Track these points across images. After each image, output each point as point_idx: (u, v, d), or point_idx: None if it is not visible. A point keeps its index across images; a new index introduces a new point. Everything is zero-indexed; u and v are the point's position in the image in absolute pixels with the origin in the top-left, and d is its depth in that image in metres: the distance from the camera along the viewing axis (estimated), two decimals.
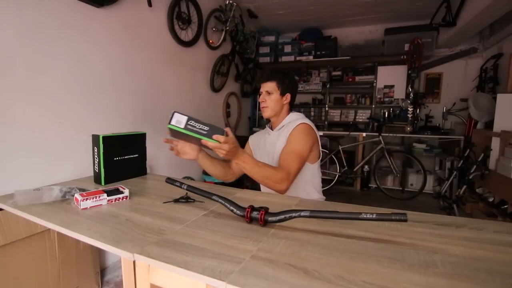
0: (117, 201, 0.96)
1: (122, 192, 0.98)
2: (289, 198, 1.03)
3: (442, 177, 3.41)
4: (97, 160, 1.17)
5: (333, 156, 3.59)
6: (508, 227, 0.75)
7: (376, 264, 0.57)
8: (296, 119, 1.24)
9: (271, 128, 1.34)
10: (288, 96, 1.27)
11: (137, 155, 1.31)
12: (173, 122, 0.88)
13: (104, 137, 1.15)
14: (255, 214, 0.76)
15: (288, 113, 1.30)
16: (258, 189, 1.30)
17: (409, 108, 3.48)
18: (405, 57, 3.55)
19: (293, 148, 1.12)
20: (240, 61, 3.60)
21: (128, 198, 0.99)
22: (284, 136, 1.20)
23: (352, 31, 4.16)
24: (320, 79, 4.30)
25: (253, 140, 1.43)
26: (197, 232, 0.71)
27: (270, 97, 1.25)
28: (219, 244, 0.65)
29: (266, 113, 1.28)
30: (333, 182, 3.59)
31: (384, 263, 0.57)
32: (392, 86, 3.83)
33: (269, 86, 1.25)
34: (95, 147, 1.17)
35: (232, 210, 0.80)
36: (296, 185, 1.16)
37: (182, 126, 0.88)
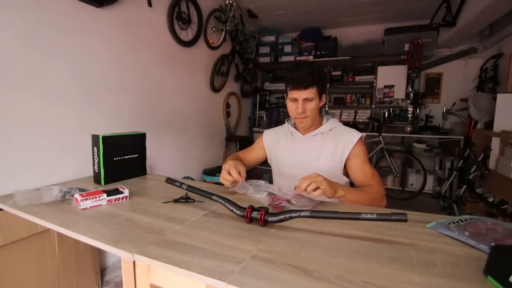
0: (117, 201, 0.96)
1: (122, 192, 0.98)
2: None
3: (442, 177, 3.41)
4: (97, 160, 1.17)
5: None
6: None
7: (376, 264, 0.57)
8: (342, 127, 1.16)
9: (296, 129, 1.21)
10: (324, 98, 1.12)
11: (137, 155, 1.31)
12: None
13: (104, 137, 1.14)
14: (255, 214, 0.76)
15: (320, 115, 1.19)
16: None
17: (409, 108, 3.49)
18: (405, 57, 3.55)
19: (366, 162, 1.09)
20: (240, 61, 3.60)
21: (128, 198, 0.99)
22: (338, 149, 1.10)
23: (352, 31, 4.16)
24: None
25: (268, 139, 1.28)
26: (197, 232, 0.71)
27: (310, 104, 1.07)
28: (219, 244, 0.65)
29: (305, 124, 1.11)
30: None
31: (384, 263, 0.57)
32: (392, 86, 3.83)
33: (308, 93, 1.05)
34: (94, 147, 1.17)
35: (232, 210, 0.80)
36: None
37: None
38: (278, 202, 0.87)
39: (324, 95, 1.12)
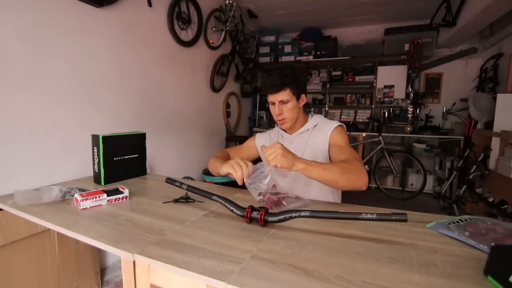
0: (117, 201, 0.96)
1: (122, 192, 0.98)
2: None
3: (442, 177, 3.42)
4: (97, 160, 1.17)
5: None
6: None
7: (376, 264, 0.57)
8: (324, 120, 1.18)
9: (285, 131, 1.24)
10: (303, 97, 1.15)
11: (137, 155, 1.31)
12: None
13: (104, 137, 1.15)
14: (255, 214, 0.76)
15: (305, 114, 1.22)
16: None
17: (409, 108, 3.49)
18: (405, 57, 3.55)
19: (345, 144, 1.07)
20: (240, 61, 3.60)
21: (128, 198, 0.99)
22: (318, 140, 1.13)
23: (352, 31, 4.16)
24: (320, 79, 4.31)
25: (262, 141, 1.30)
26: (197, 232, 0.71)
27: (287, 106, 1.11)
28: (219, 244, 0.65)
29: (286, 125, 1.16)
30: None
31: (384, 263, 0.57)
32: (392, 86, 3.83)
33: (282, 96, 1.09)
34: (95, 147, 1.17)
35: (232, 210, 0.80)
36: (323, 191, 1.14)
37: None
38: (268, 201, 0.87)
39: (303, 95, 1.15)
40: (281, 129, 1.26)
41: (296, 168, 0.84)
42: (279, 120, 1.15)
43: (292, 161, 0.83)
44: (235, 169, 0.88)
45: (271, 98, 1.12)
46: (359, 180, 0.89)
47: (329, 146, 1.11)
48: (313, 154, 1.14)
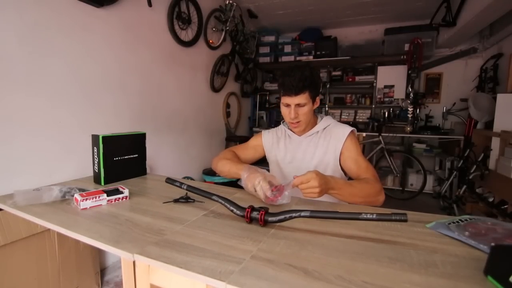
0: (117, 201, 0.96)
1: (122, 192, 0.98)
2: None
3: (442, 177, 3.42)
4: (97, 160, 1.17)
5: None
6: None
7: (376, 264, 0.57)
8: (335, 124, 1.16)
9: (292, 131, 1.20)
10: (318, 100, 1.11)
11: (137, 155, 1.31)
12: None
13: (104, 137, 1.14)
14: (255, 214, 0.76)
15: (314, 115, 1.19)
16: None
17: (409, 108, 3.48)
18: (405, 57, 3.55)
19: (359, 156, 1.08)
20: (240, 61, 3.60)
21: (128, 198, 0.99)
22: (330, 145, 1.11)
23: (352, 31, 4.16)
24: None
25: (269, 139, 1.27)
26: (197, 232, 0.71)
27: (303, 109, 1.06)
28: (219, 244, 0.65)
29: (300, 128, 1.12)
30: None
31: (384, 263, 0.57)
32: (392, 86, 3.83)
33: (300, 99, 1.04)
34: (94, 147, 1.17)
35: (232, 210, 0.80)
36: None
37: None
38: (275, 193, 0.88)
39: (318, 97, 1.12)
40: (288, 128, 1.23)
41: (331, 191, 0.90)
42: (293, 123, 1.10)
43: (326, 191, 0.88)
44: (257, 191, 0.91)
45: (287, 100, 1.06)
46: (377, 200, 0.98)
47: (341, 153, 1.10)
48: (323, 158, 1.12)
